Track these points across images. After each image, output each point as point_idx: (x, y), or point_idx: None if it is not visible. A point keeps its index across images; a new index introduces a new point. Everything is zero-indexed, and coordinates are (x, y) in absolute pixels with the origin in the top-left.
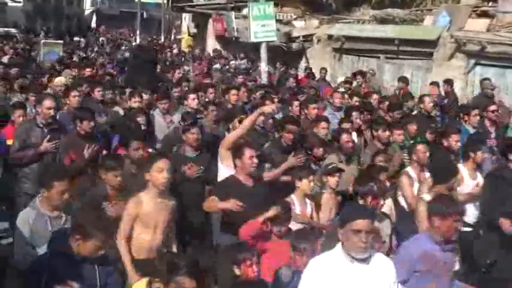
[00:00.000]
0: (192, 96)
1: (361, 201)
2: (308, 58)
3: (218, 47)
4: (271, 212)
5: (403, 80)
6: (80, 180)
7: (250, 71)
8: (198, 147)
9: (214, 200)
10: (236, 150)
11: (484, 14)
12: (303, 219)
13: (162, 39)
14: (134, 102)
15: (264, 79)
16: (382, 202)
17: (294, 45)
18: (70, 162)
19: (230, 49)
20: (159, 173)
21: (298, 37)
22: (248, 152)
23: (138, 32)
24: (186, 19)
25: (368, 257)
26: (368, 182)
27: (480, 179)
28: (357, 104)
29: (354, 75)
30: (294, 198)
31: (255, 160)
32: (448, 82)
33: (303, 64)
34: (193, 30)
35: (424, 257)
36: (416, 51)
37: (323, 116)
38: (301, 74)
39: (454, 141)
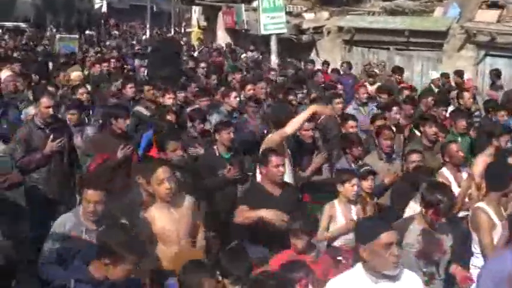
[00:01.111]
0: (234, 94)
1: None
2: (318, 50)
3: (228, 39)
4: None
5: (397, 70)
6: (113, 184)
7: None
8: (231, 148)
9: (246, 209)
10: (262, 157)
11: (494, 5)
12: (347, 228)
13: (172, 32)
14: (168, 99)
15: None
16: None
17: (304, 38)
18: (102, 162)
19: (240, 42)
20: (159, 185)
21: (308, 29)
22: (275, 160)
23: (148, 25)
24: (196, 12)
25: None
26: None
27: None
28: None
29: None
30: (336, 204)
31: (282, 169)
32: (458, 73)
33: (314, 56)
34: (203, 23)
35: (510, 280)
36: (427, 43)
37: (350, 114)
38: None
39: (504, 141)
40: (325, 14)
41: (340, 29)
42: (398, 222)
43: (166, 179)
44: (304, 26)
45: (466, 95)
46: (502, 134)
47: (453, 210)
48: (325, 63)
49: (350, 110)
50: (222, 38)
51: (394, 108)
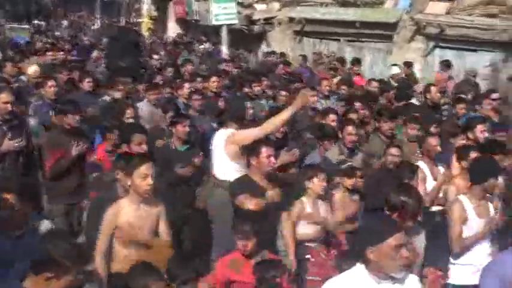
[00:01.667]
0: (187, 85)
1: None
2: (269, 41)
3: (179, 30)
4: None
5: (340, 60)
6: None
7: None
8: (187, 141)
9: (250, 197)
10: (252, 148)
11: None
12: (316, 220)
13: (123, 23)
14: (118, 91)
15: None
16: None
17: (255, 28)
18: (56, 161)
19: (191, 32)
20: (143, 179)
21: (259, 20)
22: (265, 151)
23: (98, 15)
24: (146, 2)
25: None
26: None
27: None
28: (354, 92)
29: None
30: (304, 201)
31: (273, 160)
32: (408, 64)
33: (264, 47)
34: (154, 13)
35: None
36: (377, 34)
37: (331, 108)
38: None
39: (480, 131)
40: (276, 5)
41: (291, 19)
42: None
43: (150, 174)
44: (255, 16)
45: (433, 89)
46: (476, 125)
47: (420, 213)
48: (282, 55)
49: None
50: (173, 29)
51: (357, 104)
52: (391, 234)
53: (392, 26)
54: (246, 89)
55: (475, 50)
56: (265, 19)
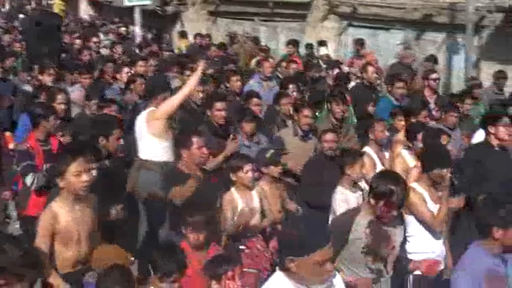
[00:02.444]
0: (125, 69)
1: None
2: (183, 22)
3: (91, 11)
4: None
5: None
6: None
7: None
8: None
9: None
10: (183, 140)
11: None
12: (244, 215)
13: (34, 4)
14: (48, 76)
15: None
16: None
17: (169, 9)
18: None
19: (103, 14)
20: (77, 176)
21: (173, 0)
22: (197, 142)
23: None
24: None
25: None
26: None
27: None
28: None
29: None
30: (234, 193)
31: (205, 150)
32: (322, 43)
33: (179, 28)
34: None
35: (487, 277)
36: (291, 14)
37: (254, 91)
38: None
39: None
40: None
41: (205, 0)
42: (343, 214)
43: (85, 169)
44: None
45: (370, 69)
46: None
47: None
48: (207, 36)
49: (252, 83)
50: (85, 10)
51: (291, 86)
52: (315, 249)
53: (306, 6)
54: (188, 73)
55: (387, 29)
56: (179, 0)
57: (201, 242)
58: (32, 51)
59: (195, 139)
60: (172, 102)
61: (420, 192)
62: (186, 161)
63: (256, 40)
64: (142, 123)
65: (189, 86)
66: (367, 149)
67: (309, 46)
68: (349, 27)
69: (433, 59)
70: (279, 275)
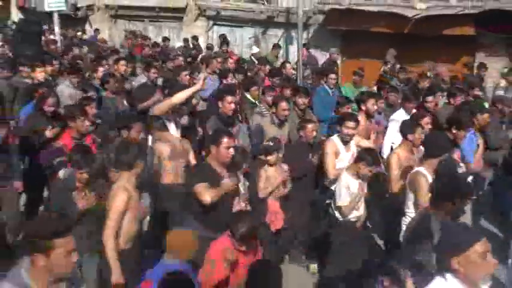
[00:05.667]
0: (101, 68)
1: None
2: (91, 23)
3: (20, 16)
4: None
5: (144, 37)
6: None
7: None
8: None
9: (208, 186)
10: (214, 137)
11: None
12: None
13: None
14: (40, 73)
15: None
16: None
17: (80, 13)
18: None
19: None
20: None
21: (83, 7)
22: (226, 142)
23: None
24: None
25: None
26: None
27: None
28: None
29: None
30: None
31: (232, 151)
32: (195, 38)
33: (88, 27)
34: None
35: None
36: (171, 16)
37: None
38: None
39: (371, 104)
40: None
41: (107, 6)
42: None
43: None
44: (79, 4)
45: (288, 65)
46: (369, 99)
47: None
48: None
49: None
50: (16, 15)
51: (229, 75)
52: (475, 241)
53: (182, 10)
54: (153, 71)
55: (242, 26)
56: (87, 6)
57: (247, 249)
58: (18, 54)
59: (225, 138)
60: (164, 105)
61: (428, 178)
62: (214, 157)
63: (145, 37)
64: None
65: (180, 97)
66: (334, 138)
67: (186, 40)
68: (214, 25)
69: (278, 47)
70: (449, 278)
